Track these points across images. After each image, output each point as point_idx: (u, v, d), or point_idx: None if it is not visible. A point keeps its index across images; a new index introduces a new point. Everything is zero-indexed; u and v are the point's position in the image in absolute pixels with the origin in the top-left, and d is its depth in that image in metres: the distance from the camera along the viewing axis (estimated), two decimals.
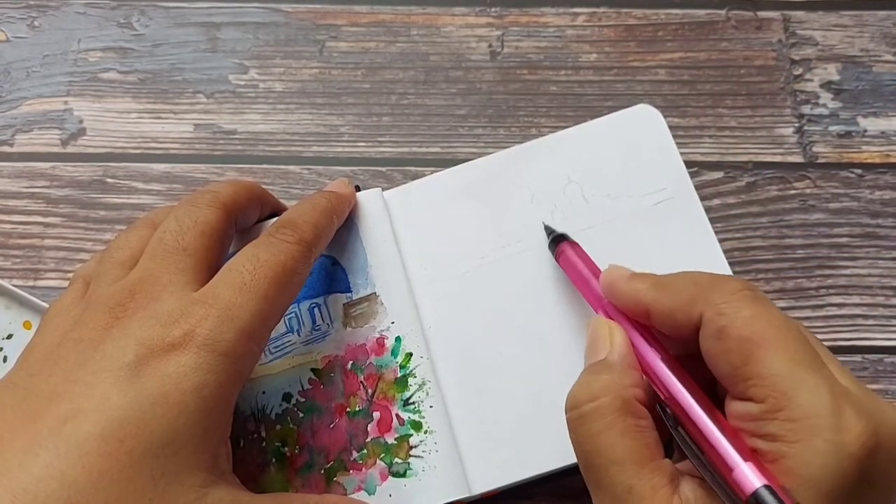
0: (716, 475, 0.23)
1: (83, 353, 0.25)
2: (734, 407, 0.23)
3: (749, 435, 0.23)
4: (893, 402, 0.25)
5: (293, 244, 0.28)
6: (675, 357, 0.26)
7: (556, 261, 0.32)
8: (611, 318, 0.28)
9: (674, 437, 0.25)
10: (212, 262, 0.28)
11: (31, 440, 0.23)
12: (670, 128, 0.35)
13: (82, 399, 0.24)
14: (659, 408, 0.25)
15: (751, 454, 0.23)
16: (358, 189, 0.35)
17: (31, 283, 0.38)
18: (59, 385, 0.24)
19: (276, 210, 0.34)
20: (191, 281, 0.27)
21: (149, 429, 0.24)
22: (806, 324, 0.36)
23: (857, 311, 0.37)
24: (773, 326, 0.23)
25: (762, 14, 0.42)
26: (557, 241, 0.32)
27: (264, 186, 0.34)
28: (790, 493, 0.21)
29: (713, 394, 0.25)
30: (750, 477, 0.22)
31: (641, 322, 0.27)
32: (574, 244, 0.32)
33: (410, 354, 0.32)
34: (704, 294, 0.24)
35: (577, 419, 0.25)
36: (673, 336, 0.26)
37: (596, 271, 0.30)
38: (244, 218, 0.32)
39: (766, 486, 0.21)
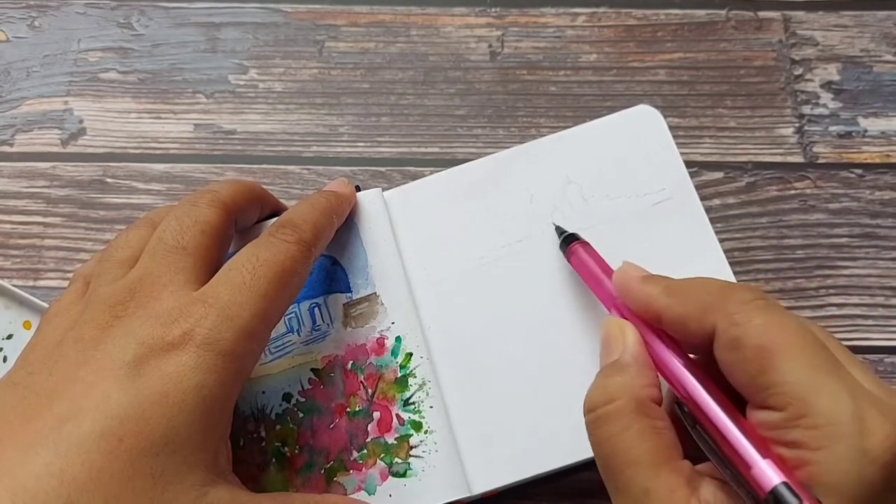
0: (735, 473, 0.23)
1: (83, 351, 0.25)
2: (755, 416, 0.23)
3: (771, 443, 0.23)
4: None
5: (293, 244, 0.28)
6: (692, 357, 0.26)
7: (568, 261, 0.32)
8: (624, 317, 0.28)
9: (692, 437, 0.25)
10: (211, 261, 0.28)
11: (31, 439, 0.23)
12: (670, 128, 0.35)
13: (82, 398, 0.24)
14: (676, 407, 0.25)
15: (770, 451, 0.22)
16: (358, 189, 0.35)
17: (31, 283, 0.38)
18: (60, 384, 0.25)
19: (276, 210, 0.34)
20: (191, 280, 0.27)
21: (149, 427, 0.24)
22: None
23: (857, 311, 0.37)
24: (789, 333, 0.23)
25: (762, 14, 0.42)
26: (568, 241, 0.32)
27: (264, 186, 0.34)
28: (810, 490, 0.21)
29: (733, 400, 0.25)
30: (768, 473, 0.22)
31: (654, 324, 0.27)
32: (585, 244, 0.31)
33: (410, 354, 0.32)
34: (717, 303, 0.24)
35: (594, 422, 0.25)
36: (685, 342, 0.26)
37: (608, 271, 0.29)
38: (244, 218, 0.32)
39: (785, 483, 0.21)
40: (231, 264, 0.27)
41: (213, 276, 0.28)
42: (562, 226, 0.33)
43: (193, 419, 0.24)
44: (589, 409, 0.25)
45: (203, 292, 0.26)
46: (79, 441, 0.23)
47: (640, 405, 0.24)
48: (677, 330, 0.25)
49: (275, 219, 0.32)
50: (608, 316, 0.28)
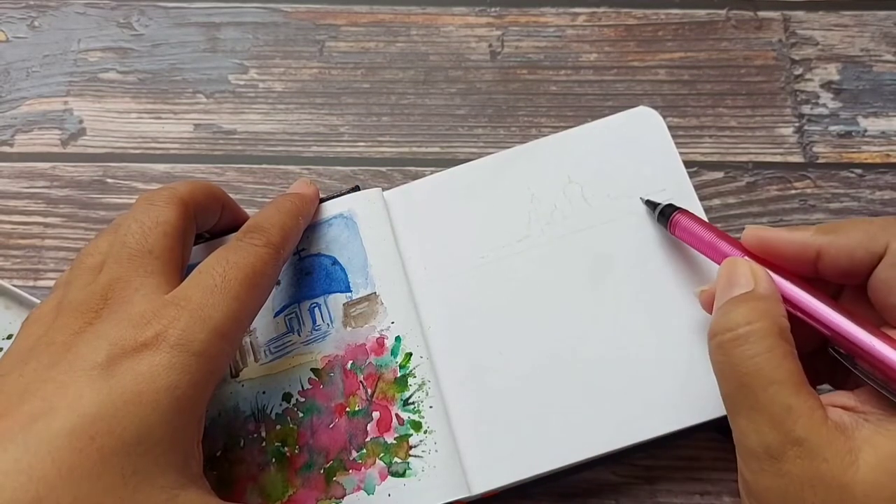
0: None
1: (55, 354, 0.25)
2: None
3: None
4: None
5: (261, 247, 0.29)
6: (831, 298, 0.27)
7: (671, 232, 0.32)
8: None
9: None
10: (177, 261, 0.28)
11: (1, 436, 0.23)
12: (670, 128, 0.35)
13: (55, 397, 0.24)
14: (832, 350, 0.26)
15: None
16: (357, 189, 0.35)
17: (31, 283, 0.38)
18: (31, 384, 0.24)
19: (237, 216, 0.34)
20: (161, 283, 0.27)
21: (121, 426, 0.23)
22: None
23: None
24: None
25: (762, 14, 0.42)
26: (667, 212, 0.32)
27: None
28: None
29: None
30: None
31: (792, 272, 0.27)
32: (684, 211, 0.32)
33: (410, 354, 0.32)
34: (887, 228, 0.26)
35: (732, 341, 0.25)
36: (837, 279, 0.27)
37: (718, 232, 0.30)
38: (204, 216, 0.31)
39: None
40: (202, 268, 0.27)
41: (179, 275, 0.28)
42: (652, 198, 0.33)
43: (166, 419, 0.24)
44: (725, 329, 0.26)
45: (174, 295, 0.26)
46: (49, 438, 0.23)
47: (782, 331, 0.25)
48: (840, 263, 0.26)
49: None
50: (728, 258, 0.28)
